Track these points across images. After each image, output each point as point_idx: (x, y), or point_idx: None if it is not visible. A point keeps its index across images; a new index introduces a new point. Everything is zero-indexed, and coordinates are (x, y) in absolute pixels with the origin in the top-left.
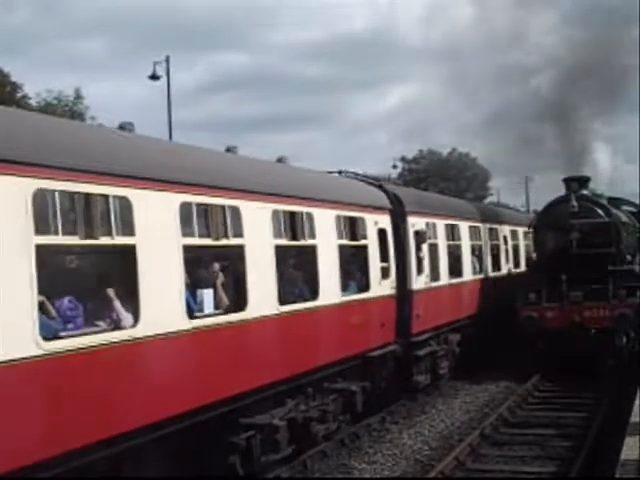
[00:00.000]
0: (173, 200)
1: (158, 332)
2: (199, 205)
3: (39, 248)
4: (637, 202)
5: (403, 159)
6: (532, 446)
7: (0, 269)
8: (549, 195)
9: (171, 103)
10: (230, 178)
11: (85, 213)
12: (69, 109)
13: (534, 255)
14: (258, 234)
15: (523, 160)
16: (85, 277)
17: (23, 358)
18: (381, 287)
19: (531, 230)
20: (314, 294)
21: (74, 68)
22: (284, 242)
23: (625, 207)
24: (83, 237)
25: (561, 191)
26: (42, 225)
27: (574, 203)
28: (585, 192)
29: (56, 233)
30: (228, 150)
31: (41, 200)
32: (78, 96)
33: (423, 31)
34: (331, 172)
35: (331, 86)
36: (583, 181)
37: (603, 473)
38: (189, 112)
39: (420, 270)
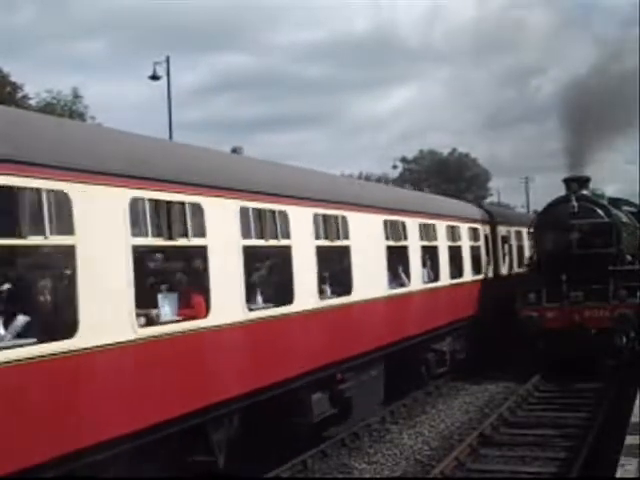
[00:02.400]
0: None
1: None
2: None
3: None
4: (637, 202)
5: (403, 159)
6: (532, 446)
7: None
8: (549, 195)
9: (171, 103)
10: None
11: (167, 218)
12: (68, 109)
13: (534, 255)
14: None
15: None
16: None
17: None
18: (487, 272)
19: (531, 230)
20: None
21: (76, 69)
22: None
23: (625, 207)
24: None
25: (561, 191)
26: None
27: (574, 203)
28: (585, 192)
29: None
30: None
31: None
32: (76, 95)
33: (424, 32)
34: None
35: (332, 87)
36: (583, 181)
37: (603, 473)
38: (190, 112)
39: (504, 262)
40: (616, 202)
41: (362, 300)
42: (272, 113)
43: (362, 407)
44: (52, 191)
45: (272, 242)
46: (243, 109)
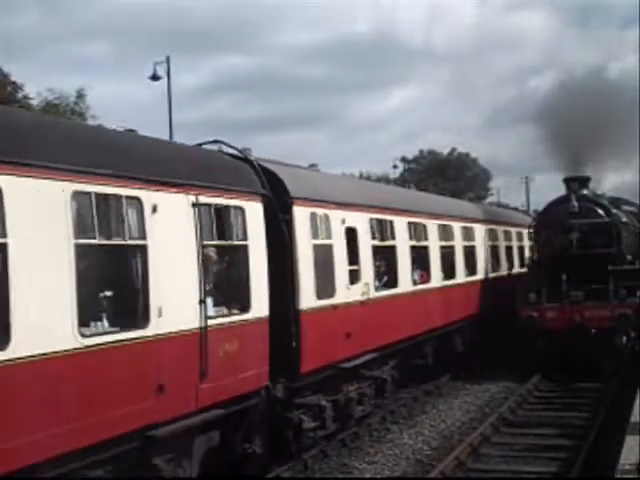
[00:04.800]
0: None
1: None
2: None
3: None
4: (637, 202)
5: (403, 159)
6: (532, 446)
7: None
8: (549, 195)
9: (172, 103)
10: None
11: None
12: (70, 109)
13: (534, 255)
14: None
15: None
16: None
17: None
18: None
19: (531, 230)
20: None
21: (78, 70)
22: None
23: (625, 207)
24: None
25: (561, 191)
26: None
27: (574, 203)
28: (585, 192)
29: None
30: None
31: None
32: (80, 95)
33: (424, 33)
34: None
35: (332, 87)
36: (583, 181)
37: (603, 473)
38: (191, 113)
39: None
40: (616, 202)
41: (439, 286)
42: (273, 113)
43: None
44: None
45: (386, 243)
46: (244, 110)
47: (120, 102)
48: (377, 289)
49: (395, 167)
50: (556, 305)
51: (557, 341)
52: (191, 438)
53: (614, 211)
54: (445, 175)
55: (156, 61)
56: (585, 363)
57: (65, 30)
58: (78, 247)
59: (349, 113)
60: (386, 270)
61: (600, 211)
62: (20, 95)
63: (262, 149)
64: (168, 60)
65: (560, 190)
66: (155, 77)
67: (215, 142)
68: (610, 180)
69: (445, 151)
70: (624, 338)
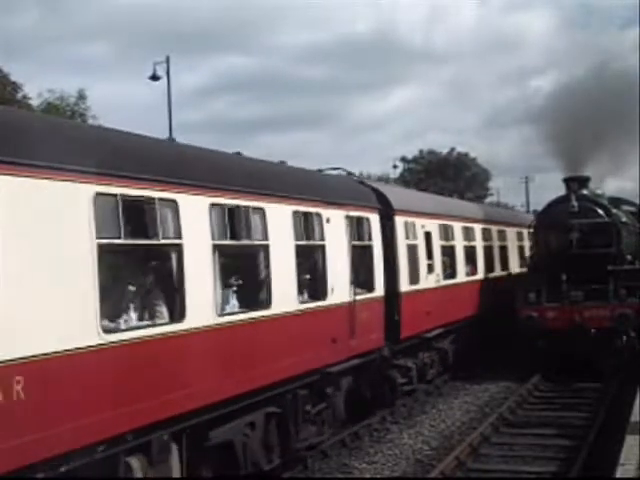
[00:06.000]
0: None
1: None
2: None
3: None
4: (637, 202)
5: (403, 159)
6: (532, 446)
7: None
8: (549, 195)
9: (172, 104)
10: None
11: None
12: (70, 109)
13: (534, 255)
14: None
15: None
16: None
17: None
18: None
19: (531, 230)
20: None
21: (78, 71)
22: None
23: (625, 207)
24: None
25: (561, 191)
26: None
27: (574, 203)
28: (585, 192)
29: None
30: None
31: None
32: (81, 96)
33: (424, 33)
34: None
35: (333, 87)
36: (583, 181)
37: (603, 473)
38: (191, 114)
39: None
40: (616, 202)
41: (483, 278)
42: (273, 114)
43: None
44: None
45: (449, 243)
46: (244, 110)
47: (119, 102)
48: (444, 278)
49: (395, 167)
50: (556, 305)
51: (557, 341)
52: (342, 377)
53: (614, 211)
54: (445, 175)
55: (156, 61)
56: (585, 363)
57: (65, 30)
58: (297, 247)
59: (349, 113)
60: (449, 264)
61: (600, 211)
62: (20, 95)
63: (263, 150)
64: (168, 60)
65: (560, 190)
66: (155, 77)
67: (336, 169)
68: (611, 183)
69: (445, 151)
70: (624, 338)
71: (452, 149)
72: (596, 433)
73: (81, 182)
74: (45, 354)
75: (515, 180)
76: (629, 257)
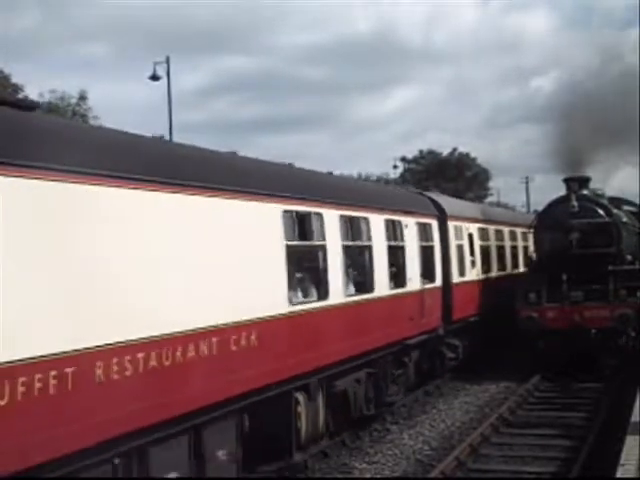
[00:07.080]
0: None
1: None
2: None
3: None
4: (637, 202)
5: (403, 159)
6: (532, 446)
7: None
8: (549, 195)
9: (172, 103)
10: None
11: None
12: (71, 110)
13: (534, 255)
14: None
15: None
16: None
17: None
18: None
19: (531, 230)
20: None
21: (79, 71)
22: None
23: (625, 207)
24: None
25: (561, 191)
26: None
27: (574, 203)
28: (585, 192)
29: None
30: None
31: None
32: (82, 97)
33: (424, 33)
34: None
35: (333, 88)
36: (583, 181)
37: (603, 473)
38: (192, 114)
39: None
40: (616, 202)
41: (508, 274)
42: (273, 114)
43: None
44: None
45: (486, 243)
46: (244, 110)
47: (119, 103)
48: (482, 273)
49: (395, 167)
50: (556, 305)
51: (557, 341)
52: (413, 349)
53: (614, 211)
54: (445, 175)
55: (156, 61)
56: (585, 363)
57: (65, 31)
58: (389, 247)
59: (349, 113)
60: (485, 261)
61: (600, 211)
62: (20, 96)
63: (262, 149)
64: (168, 60)
65: (560, 190)
66: (155, 77)
67: (400, 184)
68: (612, 185)
69: (445, 151)
70: (624, 338)
71: (454, 149)
72: (596, 433)
73: (274, 203)
74: (271, 316)
75: (515, 180)
76: (629, 257)
